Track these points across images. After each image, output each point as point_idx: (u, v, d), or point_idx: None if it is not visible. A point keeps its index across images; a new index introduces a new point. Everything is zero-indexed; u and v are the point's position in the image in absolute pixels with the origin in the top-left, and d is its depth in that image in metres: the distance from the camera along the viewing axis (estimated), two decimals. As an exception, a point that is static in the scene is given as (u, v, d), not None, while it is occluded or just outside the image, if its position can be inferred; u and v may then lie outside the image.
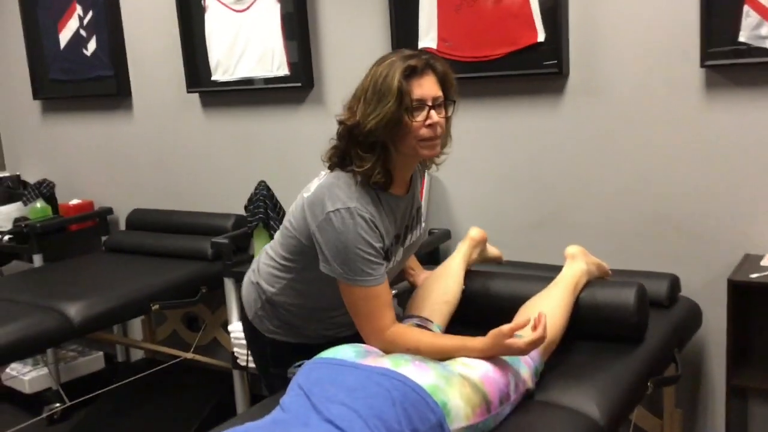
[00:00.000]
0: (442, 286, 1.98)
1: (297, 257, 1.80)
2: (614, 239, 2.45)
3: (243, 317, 2.00)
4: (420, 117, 1.67)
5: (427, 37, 2.64)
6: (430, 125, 1.69)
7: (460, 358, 1.64)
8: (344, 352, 1.57)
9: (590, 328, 1.99)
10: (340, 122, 1.72)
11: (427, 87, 1.69)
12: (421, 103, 1.67)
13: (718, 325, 2.31)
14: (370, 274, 1.68)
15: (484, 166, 2.66)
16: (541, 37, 2.43)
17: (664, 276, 2.24)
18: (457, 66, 2.55)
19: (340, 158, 1.73)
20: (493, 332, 1.62)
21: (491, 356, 1.62)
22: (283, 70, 2.99)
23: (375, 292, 1.69)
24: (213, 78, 3.16)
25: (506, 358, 1.66)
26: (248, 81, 3.09)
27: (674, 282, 2.24)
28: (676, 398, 2.35)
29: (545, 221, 2.57)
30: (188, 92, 3.25)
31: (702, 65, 2.21)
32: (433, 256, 2.70)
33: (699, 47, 2.20)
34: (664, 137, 2.33)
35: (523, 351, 1.61)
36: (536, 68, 2.46)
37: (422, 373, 1.49)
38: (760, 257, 2.21)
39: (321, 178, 1.76)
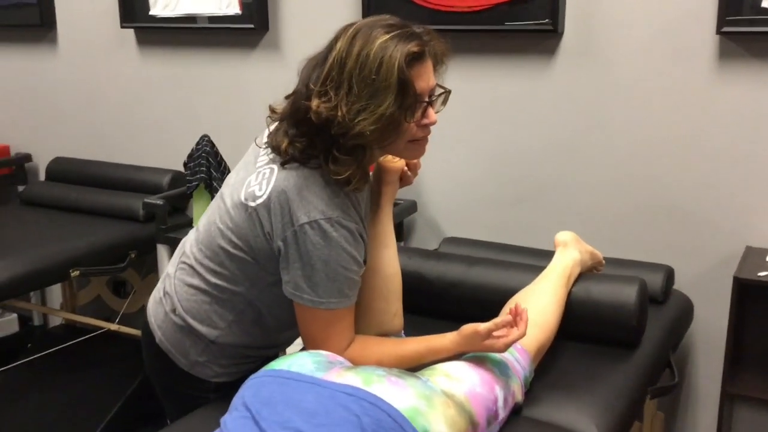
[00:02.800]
0: (382, 299, 1.51)
1: (243, 282, 1.42)
2: (603, 224, 2.20)
3: (162, 367, 1.54)
4: (417, 116, 1.35)
5: (404, -20, 2.30)
6: (426, 125, 1.38)
7: (441, 367, 1.37)
8: (301, 362, 1.26)
9: (582, 327, 1.73)
10: (308, 108, 1.31)
11: (426, 77, 1.35)
12: (420, 99, 1.34)
13: (709, 324, 2.11)
14: (347, 296, 1.37)
15: (461, 132, 2.36)
16: (535, -13, 2.13)
17: (658, 267, 2.01)
18: (436, 16, 2.27)
19: (301, 152, 1.36)
20: (466, 331, 1.36)
21: (464, 353, 1.39)
22: (234, 8, 2.62)
23: (343, 314, 1.38)
24: (151, 12, 2.78)
25: (493, 366, 1.40)
26: (192, 18, 2.72)
27: (669, 274, 2.01)
28: (658, 401, 2.13)
29: (528, 198, 2.30)
30: (122, 27, 2.86)
31: (718, 31, 1.95)
32: (397, 230, 2.39)
33: (716, 11, 1.94)
34: (666, 110, 2.07)
35: (501, 350, 1.37)
36: (527, 24, 2.16)
37: (398, 393, 1.20)
38: (764, 251, 1.98)
39: (267, 177, 1.36)
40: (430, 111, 1.39)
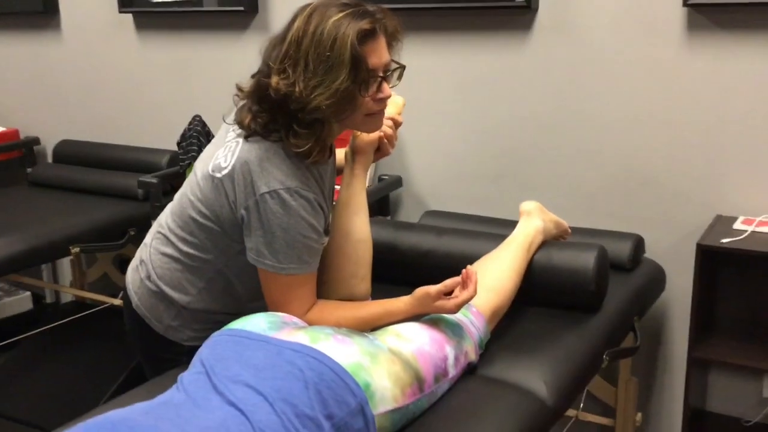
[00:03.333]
0: (351, 262, 1.57)
1: (212, 250, 1.50)
2: (577, 195, 2.26)
3: (140, 331, 1.62)
4: (372, 90, 1.42)
5: (383, -40, 2.35)
6: (380, 99, 1.45)
7: (392, 327, 1.44)
8: (256, 322, 1.35)
9: (544, 293, 1.80)
10: (267, 86, 1.39)
11: (379, 53, 1.41)
12: (374, 74, 1.41)
13: (682, 291, 2.15)
14: (307, 263, 1.45)
15: (441, 109, 2.42)
16: (508, -36, 2.17)
17: (627, 236, 2.06)
18: (414, -6, 2.32)
19: (262, 127, 1.43)
20: (419, 293, 1.44)
21: (418, 315, 1.46)
22: (225, -8, 2.70)
23: (304, 279, 1.47)
24: (148, -3, 2.86)
25: (446, 327, 1.48)
26: (186, 2, 2.80)
27: (638, 243, 2.06)
28: (632, 366, 2.19)
29: (504, 172, 2.35)
30: (120, 12, 2.95)
31: (684, 4, 1.98)
32: (383, 205, 2.48)
33: (682, -17, 1.97)
34: (637, 83, 2.12)
35: (452, 311, 1.44)
36: (501, 0, 2.21)
37: (343, 350, 1.28)
38: (733, 219, 2.03)
39: (232, 150, 1.44)
40: (384, 85, 1.45)
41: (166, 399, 1.21)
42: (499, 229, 2.05)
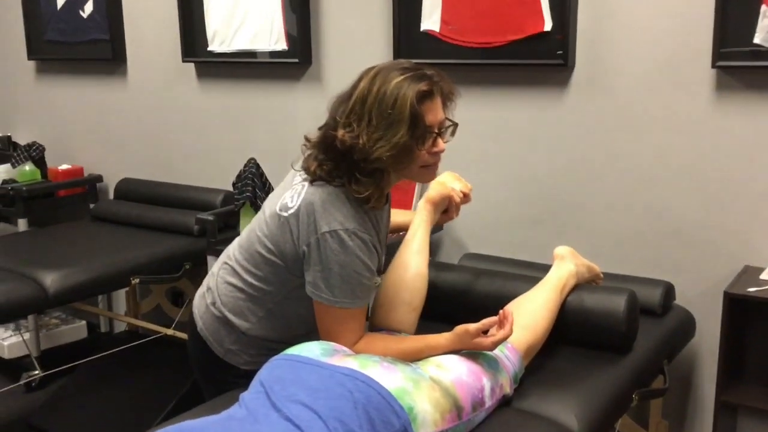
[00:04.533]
0: (407, 291, 1.76)
1: (274, 283, 1.66)
2: (610, 242, 2.37)
3: (202, 354, 1.77)
4: (428, 145, 1.58)
5: (430, 19, 2.53)
6: (435, 153, 1.61)
7: (433, 358, 1.57)
8: (310, 349, 1.49)
9: (576, 333, 1.91)
10: (335, 137, 1.56)
11: (435, 112, 1.59)
12: (430, 130, 1.58)
13: (712, 337, 2.23)
14: (359, 298, 1.60)
15: (481, 157, 2.56)
16: (548, 26, 2.32)
17: (658, 283, 2.16)
18: (459, 51, 2.49)
19: (327, 173, 1.60)
20: (459, 330, 1.57)
21: (457, 351, 1.58)
22: (281, 45, 2.90)
23: (355, 313, 1.61)
24: (209, 48, 3.07)
25: (483, 361, 1.59)
26: (245, 54, 3.00)
27: (668, 290, 2.15)
28: (663, 409, 2.27)
29: (541, 218, 2.48)
30: (184, 61, 3.16)
31: (713, 66, 2.11)
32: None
33: (711, 47, 2.10)
34: (669, 139, 2.24)
35: (489, 348, 1.57)
36: (541, 58, 2.36)
37: (389, 376, 1.41)
38: (761, 270, 2.12)
39: (299, 192, 1.61)
40: (439, 141, 1.61)
41: (230, 414, 1.35)
42: (533, 272, 2.15)
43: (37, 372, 3.26)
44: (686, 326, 2.17)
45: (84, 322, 3.63)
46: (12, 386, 3.20)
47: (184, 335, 3.11)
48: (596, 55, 2.30)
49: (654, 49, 2.21)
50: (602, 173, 2.36)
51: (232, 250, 1.76)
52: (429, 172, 1.66)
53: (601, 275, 2.05)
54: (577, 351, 1.89)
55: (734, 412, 2.25)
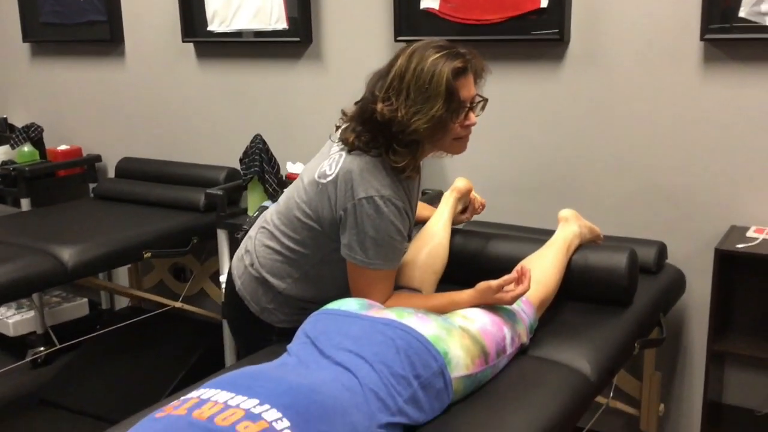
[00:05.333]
0: (430, 256, 1.95)
1: (311, 246, 1.78)
2: (607, 206, 2.51)
3: (238, 312, 1.90)
4: (461, 118, 1.71)
5: (431, -3, 2.64)
6: (467, 126, 1.73)
7: (459, 311, 1.69)
8: (349, 304, 1.61)
9: (581, 289, 2.05)
10: (374, 110, 1.67)
11: (469, 87, 1.71)
12: (464, 104, 1.70)
13: (701, 293, 2.39)
14: (391, 260, 1.73)
15: (482, 130, 2.63)
16: (544, 2, 2.45)
17: (652, 243, 2.31)
18: (457, 28, 2.60)
19: (365, 144, 1.71)
20: (480, 287, 1.70)
21: (479, 306, 1.70)
22: (282, 24, 2.98)
23: (386, 275, 1.74)
24: (209, 28, 3.14)
25: (503, 313, 1.72)
26: (245, 33, 3.07)
27: (662, 249, 2.31)
28: (656, 361, 2.43)
29: (541, 187, 2.62)
30: (183, 42, 3.22)
31: (701, 38, 2.25)
32: (425, 216, 2.73)
33: (699, 20, 2.24)
34: (659, 108, 2.38)
35: (509, 302, 1.69)
36: (538, 34, 2.48)
37: (424, 324, 1.54)
38: (746, 228, 2.28)
39: (337, 161, 1.72)
40: (471, 114, 1.75)
41: (283, 361, 1.47)
42: (537, 236, 2.29)
43: (43, 348, 3.33)
44: (678, 283, 2.33)
45: (86, 300, 3.69)
46: (19, 363, 3.28)
47: (192, 308, 3.22)
48: (590, 30, 2.43)
49: (645, 24, 2.35)
50: (597, 142, 2.50)
51: (270, 215, 1.88)
52: (461, 144, 1.79)
53: (602, 236, 2.20)
54: (584, 305, 2.03)
55: (722, 361, 2.42)
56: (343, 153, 1.73)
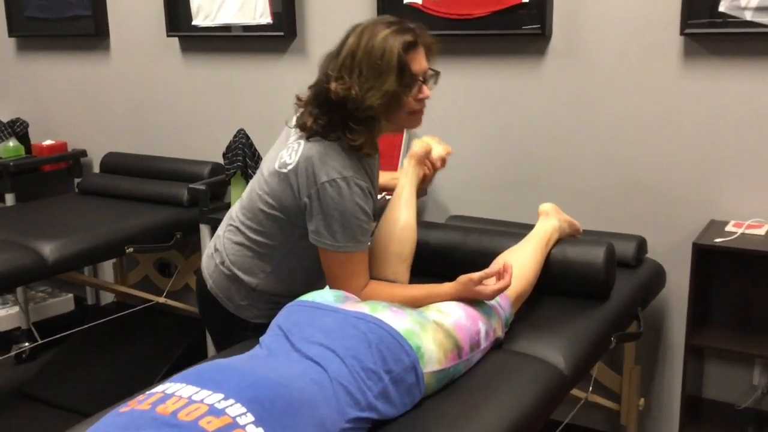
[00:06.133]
0: (398, 243, 1.89)
1: (278, 236, 1.77)
2: (587, 201, 2.52)
3: (212, 310, 1.89)
4: (414, 91, 1.71)
5: (413, -8, 2.64)
6: (421, 99, 1.73)
7: (434, 305, 1.69)
8: (323, 296, 1.61)
9: (559, 283, 2.05)
10: (328, 90, 1.67)
11: (420, 61, 1.72)
12: (416, 78, 1.70)
13: (680, 287, 2.40)
14: (360, 242, 1.72)
15: (463, 124, 2.69)
16: (525, -3, 2.45)
17: (632, 237, 2.31)
18: (441, 23, 2.60)
19: (323, 127, 1.71)
20: (462, 279, 1.69)
21: (458, 299, 1.70)
22: (266, 18, 2.97)
23: (359, 257, 1.73)
24: (194, 22, 3.13)
25: (478, 307, 1.72)
26: (229, 28, 3.07)
27: (641, 244, 2.31)
28: (636, 355, 2.44)
29: (521, 182, 2.62)
30: (168, 36, 3.22)
31: (681, 33, 2.25)
32: (408, 211, 2.73)
33: (680, 15, 2.24)
34: (640, 103, 2.39)
35: (489, 297, 1.69)
36: (520, 28, 2.49)
37: (398, 319, 1.54)
38: (725, 223, 2.28)
39: (296, 149, 1.71)
40: (424, 87, 1.75)
41: (254, 353, 1.47)
42: (516, 230, 2.29)
43: (27, 343, 3.33)
44: (658, 277, 2.33)
45: (71, 295, 3.69)
46: (2, 357, 3.27)
47: (176, 303, 3.22)
48: (571, 24, 2.44)
49: (626, 18, 2.35)
50: (577, 137, 2.50)
51: (235, 212, 1.87)
52: (416, 118, 1.79)
53: (581, 230, 2.20)
54: (561, 299, 2.04)
55: (701, 355, 2.43)
56: (302, 141, 1.73)
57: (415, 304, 1.71)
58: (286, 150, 1.75)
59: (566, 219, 2.14)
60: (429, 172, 2.05)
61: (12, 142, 3.51)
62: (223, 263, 1.86)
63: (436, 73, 1.78)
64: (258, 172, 1.85)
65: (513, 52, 2.55)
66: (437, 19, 2.60)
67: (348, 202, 1.68)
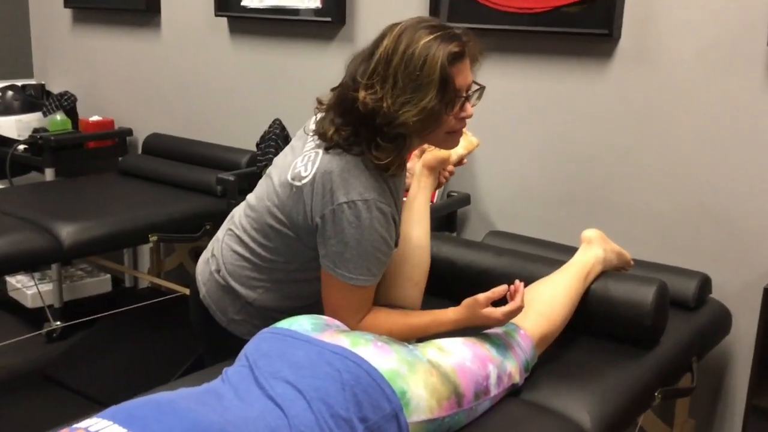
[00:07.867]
0: (408, 265, 1.67)
1: (285, 254, 1.56)
2: (646, 226, 2.22)
3: (205, 321, 1.69)
4: (456, 109, 1.47)
5: (470, -19, 2.39)
6: (463, 118, 1.50)
7: (436, 341, 1.47)
8: (301, 323, 1.40)
9: (598, 323, 1.78)
10: (355, 99, 1.43)
11: (465, 74, 1.47)
12: (459, 94, 1.46)
13: (748, 335, 2.09)
14: (374, 275, 1.50)
15: (515, 130, 2.43)
16: (593, -8, 2.17)
17: (694, 274, 2.01)
18: (499, 16, 2.35)
19: (345, 140, 1.48)
20: (468, 302, 1.49)
21: (466, 327, 1.50)
22: (315, 3, 2.79)
23: (367, 291, 1.52)
24: (243, 3, 2.98)
25: (492, 347, 1.49)
26: (278, 10, 2.90)
27: (704, 282, 2.01)
28: (690, 408, 2.14)
29: (573, 198, 2.34)
30: (216, 15, 3.08)
31: (770, 43, 1.93)
32: (449, 221, 2.50)
33: (767, 22, 1.93)
34: (717, 118, 2.07)
35: (500, 322, 1.48)
36: (585, 27, 2.21)
37: (382, 356, 1.31)
38: (808, 266, 1.96)
39: (313, 160, 1.49)
40: (467, 105, 1.50)
41: (210, 387, 1.27)
42: (560, 254, 2.03)
43: (58, 323, 3.27)
44: (721, 322, 2.03)
45: (109, 276, 3.62)
46: (32, 334, 3.22)
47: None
48: (643, 25, 2.14)
49: (706, 22, 2.04)
50: (640, 152, 2.20)
51: (238, 217, 1.66)
52: (454, 138, 1.56)
53: (632, 262, 1.92)
54: (598, 342, 1.77)
55: (765, 417, 2.11)
56: (320, 151, 1.50)
57: (418, 333, 1.50)
58: (301, 159, 1.52)
59: (614, 249, 1.86)
60: (444, 181, 1.80)
61: (59, 116, 3.44)
62: (218, 271, 1.66)
63: (481, 88, 1.53)
64: (266, 176, 1.63)
65: (576, 53, 2.27)
66: (495, 11, 2.35)
67: (366, 229, 1.45)
